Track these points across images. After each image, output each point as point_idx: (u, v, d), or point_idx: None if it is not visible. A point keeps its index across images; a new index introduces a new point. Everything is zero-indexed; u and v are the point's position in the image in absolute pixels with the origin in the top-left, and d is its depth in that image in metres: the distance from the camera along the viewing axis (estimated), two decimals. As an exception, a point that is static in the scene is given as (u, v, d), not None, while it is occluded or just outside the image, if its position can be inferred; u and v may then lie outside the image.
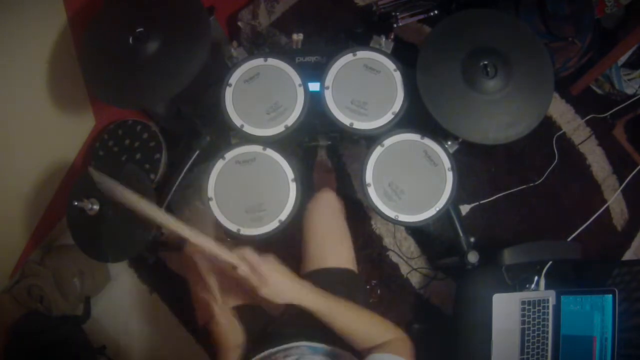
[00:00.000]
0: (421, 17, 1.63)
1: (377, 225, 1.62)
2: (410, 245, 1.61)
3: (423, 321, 1.53)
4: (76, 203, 1.11)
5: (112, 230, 1.15)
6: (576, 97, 1.69)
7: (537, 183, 1.61)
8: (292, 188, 1.12)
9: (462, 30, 1.09)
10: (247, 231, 1.11)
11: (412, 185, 1.11)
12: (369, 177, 1.11)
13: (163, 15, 1.12)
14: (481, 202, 1.59)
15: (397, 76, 1.14)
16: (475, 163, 1.65)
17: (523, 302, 1.22)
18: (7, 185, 1.34)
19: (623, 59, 1.61)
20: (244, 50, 1.25)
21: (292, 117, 1.13)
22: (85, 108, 1.48)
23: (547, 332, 1.21)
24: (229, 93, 1.15)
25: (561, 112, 1.68)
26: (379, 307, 1.54)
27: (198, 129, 1.38)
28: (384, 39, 1.21)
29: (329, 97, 1.13)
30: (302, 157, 1.64)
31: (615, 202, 1.61)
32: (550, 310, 1.21)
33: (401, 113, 1.12)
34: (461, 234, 1.29)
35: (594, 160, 1.65)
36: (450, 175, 1.12)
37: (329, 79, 1.14)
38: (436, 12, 1.62)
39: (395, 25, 1.59)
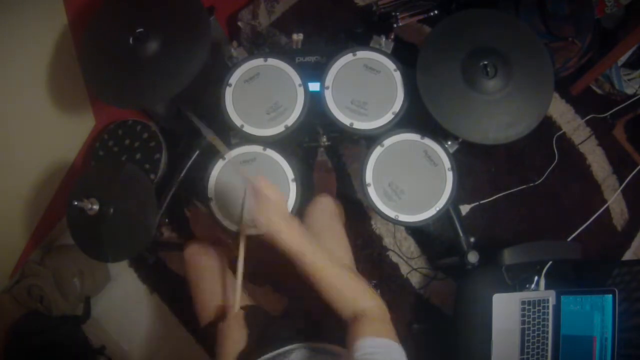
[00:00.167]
0: (421, 17, 1.63)
1: (377, 225, 1.62)
2: (410, 245, 1.61)
3: (423, 321, 1.53)
4: (76, 203, 1.11)
5: (112, 230, 1.15)
6: (576, 97, 1.69)
7: (537, 183, 1.61)
8: (292, 188, 1.12)
9: (462, 30, 1.09)
10: (247, 231, 1.10)
11: (412, 185, 1.11)
12: (369, 177, 1.11)
13: (163, 15, 1.12)
14: (481, 202, 1.59)
15: (397, 76, 1.14)
16: (475, 163, 1.65)
17: (523, 302, 1.22)
18: (7, 185, 1.34)
19: (623, 59, 1.61)
20: (244, 50, 1.25)
21: (292, 117, 1.13)
22: (85, 108, 1.47)
23: (547, 332, 1.21)
24: (229, 93, 1.15)
25: (561, 112, 1.68)
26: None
27: (198, 129, 1.38)
28: (384, 39, 1.21)
29: (329, 97, 1.13)
30: (302, 157, 1.64)
31: (615, 202, 1.61)
32: (550, 310, 1.21)
33: (401, 113, 1.12)
34: (461, 234, 1.29)
35: (594, 160, 1.65)
36: (450, 175, 1.12)
37: (329, 79, 1.14)
38: (436, 12, 1.62)
39: (395, 25, 1.59)
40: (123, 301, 1.69)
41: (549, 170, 1.61)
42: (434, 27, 1.11)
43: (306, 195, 1.19)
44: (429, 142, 1.13)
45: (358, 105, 1.13)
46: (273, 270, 1.56)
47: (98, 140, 1.54)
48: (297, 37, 1.26)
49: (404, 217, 1.10)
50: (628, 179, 1.60)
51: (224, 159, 1.14)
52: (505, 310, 1.22)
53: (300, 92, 1.14)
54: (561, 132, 1.66)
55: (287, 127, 1.12)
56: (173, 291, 1.65)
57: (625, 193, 1.61)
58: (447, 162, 1.12)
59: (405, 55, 1.16)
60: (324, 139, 1.35)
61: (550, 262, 1.27)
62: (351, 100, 1.13)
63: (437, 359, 1.43)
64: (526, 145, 1.65)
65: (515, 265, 1.26)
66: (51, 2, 1.15)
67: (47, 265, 1.55)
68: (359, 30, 1.68)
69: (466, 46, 1.07)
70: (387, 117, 1.12)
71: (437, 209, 1.10)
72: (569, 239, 1.51)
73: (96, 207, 1.13)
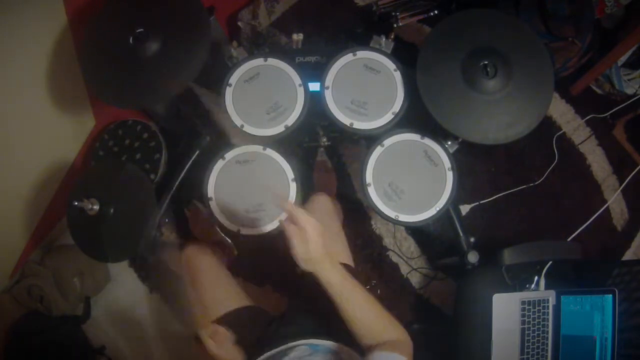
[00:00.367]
0: (421, 17, 1.63)
1: (377, 225, 1.62)
2: (410, 245, 1.61)
3: (423, 321, 1.53)
4: (76, 203, 1.11)
5: (112, 230, 1.15)
6: (576, 97, 1.69)
7: (537, 183, 1.61)
8: (292, 188, 1.12)
9: (462, 30, 1.09)
10: (247, 231, 1.11)
11: (412, 185, 1.11)
12: (369, 177, 1.11)
13: (163, 15, 1.12)
14: (481, 202, 1.59)
15: (397, 76, 1.14)
16: (475, 163, 1.65)
17: (523, 302, 1.22)
18: (7, 185, 1.34)
19: (623, 59, 1.61)
20: (244, 50, 1.25)
21: (292, 117, 1.13)
22: (85, 108, 1.48)
23: (547, 332, 1.21)
24: (229, 93, 1.15)
25: (561, 112, 1.68)
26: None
27: (198, 129, 1.38)
28: (384, 39, 1.21)
29: (329, 97, 1.13)
30: (302, 157, 1.64)
31: (615, 202, 1.61)
32: (550, 310, 1.21)
33: (401, 113, 1.12)
34: (461, 234, 1.29)
35: (594, 160, 1.65)
36: (450, 175, 1.12)
37: (329, 79, 1.14)
38: (436, 12, 1.62)
39: (395, 25, 1.59)
40: (123, 301, 1.69)
41: (549, 170, 1.61)
42: (434, 27, 1.11)
43: (306, 195, 1.19)
44: (429, 142, 1.13)
45: (358, 105, 1.13)
46: (273, 270, 1.57)
47: (98, 140, 1.54)
48: (297, 37, 1.26)
49: (404, 217, 1.10)
50: (628, 179, 1.60)
51: (224, 158, 1.14)
52: (505, 310, 1.22)
53: (300, 92, 1.14)
54: (561, 132, 1.66)
55: (287, 127, 1.12)
56: (173, 291, 1.65)
57: (625, 193, 1.61)
58: (447, 162, 1.12)
59: (405, 55, 1.15)
60: (324, 139, 1.35)
61: (550, 262, 1.27)
62: (351, 100, 1.13)
63: (437, 359, 1.43)
64: (526, 145, 1.65)
65: (515, 265, 1.25)
66: (51, 2, 1.15)
67: (47, 265, 1.55)
68: (359, 30, 1.68)
69: (466, 46, 1.07)
70: (387, 117, 1.12)
71: (437, 209, 1.10)
72: (569, 239, 1.51)
73: (96, 207, 1.13)
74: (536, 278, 1.26)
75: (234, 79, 1.16)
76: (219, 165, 1.14)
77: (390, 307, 0.81)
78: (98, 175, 1.26)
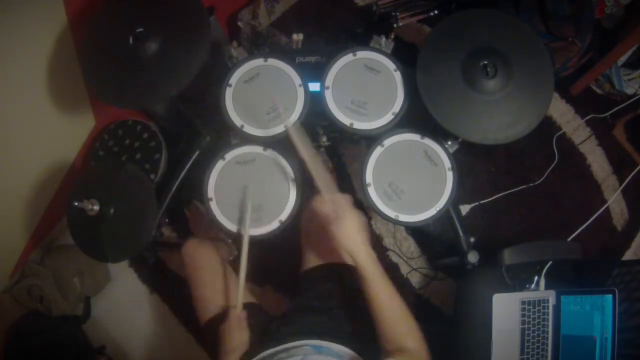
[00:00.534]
0: (421, 17, 1.63)
1: (377, 225, 1.62)
2: (410, 245, 1.61)
3: (423, 321, 1.53)
4: (76, 203, 1.11)
5: (112, 230, 1.15)
6: (576, 97, 1.69)
7: (537, 183, 1.61)
8: (292, 188, 1.12)
9: (462, 30, 1.09)
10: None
11: (412, 185, 1.11)
12: (369, 177, 1.11)
13: (163, 15, 1.12)
14: (481, 202, 1.59)
15: (397, 76, 1.14)
16: (475, 163, 1.65)
17: (523, 302, 1.22)
18: (7, 185, 1.34)
19: (623, 59, 1.61)
20: (244, 50, 1.25)
21: (292, 117, 1.13)
22: (85, 108, 1.48)
23: (547, 332, 1.21)
24: (229, 93, 1.15)
25: (561, 112, 1.68)
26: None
27: (198, 129, 1.38)
28: (384, 39, 1.21)
29: (329, 97, 1.13)
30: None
31: (615, 202, 1.61)
32: (550, 310, 1.21)
33: (401, 113, 1.12)
34: (461, 234, 1.29)
35: (594, 160, 1.65)
36: (450, 175, 1.12)
37: (329, 79, 1.14)
38: (436, 12, 1.62)
39: (395, 25, 1.59)
40: (123, 301, 1.69)
41: (549, 170, 1.61)
42: (434, 27, 1.11)
43: (306, 195, 1.19)
44: (429, 142, 1.13)
45: (358, 105, 1.13)
46: (273, 270, 1.57)
47: (98, 140, 1.54)
48: (297, 37, 1.26)
49: (404, 217, 1.10)
50: (628, 179, 1.60)
51: (224, 159, 1.14)
52: (505, 310, 1.22)
53: (300, 92, 1.14)
54: (561, 132, 1.66)
55: (287, 127, 1.12)
56: (173, 291, 1.65)
57: (625, 193, 1.61)
58: (447, 162, 1.12)
59: (405, 55, 1.15)
60: (324, 139, 1.35)
61: (550, 262, 1.27)
62: (351, 100, 1.13)
63: (437, 359, 1.43)
64: (526, 145, 1.65)
65: (515, 265, 1.25)
66: (51, 2, 1.15)
67: (47, 265, 1.55)
68: (359, 30, 1.68)
69: (466, 46, 1.07)
70: (387, 117, 1.12)
71: (437, 209, 1.10)
72: (569, 239, 1.51)
73: (96, 207, 1.13)
74: (536, 278, 1.26)
75: (234, 79, 1.16)
76: (219, 165, 1.14)
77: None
78: (98, 175, 1.26)
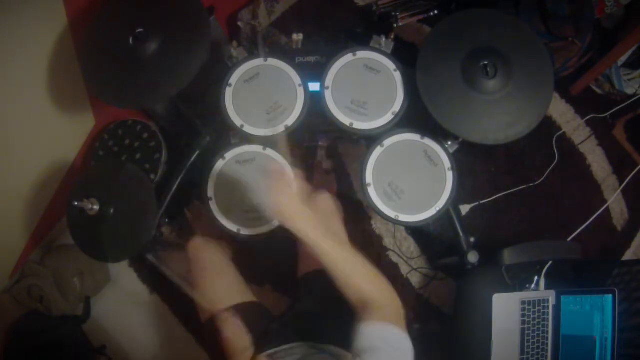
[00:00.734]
0: (421, 17, 1.63)
1: (377, 225, 1.62)
2: (410, 245, 1.61)
3: (423, 321, 1.53)
4: (76, 203, 1.11)
5: (112, 230, 1.15)
6: (576, 97, 1.69)
7: (537, 183, 1.61)
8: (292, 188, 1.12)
9: (462, 30, 1.09)
10: (246, 231, 1.11)
11: (412, 185, 1.11)
12: (369, 177, 1.11)
13: (163, 15, 1.12)
14: (481, 202, 1.59)
15: (397, 76, 1.14)
16: (475, 163, 1.65)
17: (523, 302, 1.22)
18: (7, 185, 1.34)
19: (623, 59, 1.61)
20: (244, 50, 1.25)
21: (292, 117, 1.13)
22: (85, 108, 1.47)
23: (547, 332, 1.21)
24: (229, 93, 1.15)
25: (561, 112, 1.68)
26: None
27: (198, 129, 1.38)
28: (384, 39, 1.21)
29: (329, 97, 1.13)
30: (302, 157, 1.64)
31: (615, 202, 1.60)
32: (550, 310, 1.21)
33: (401, 113, 1.12)
34: (461, 234, 1.29)
35: (594, 160, 1.65)
36: (450, 175, 1.12)
37: (329, 79, 1.14)
38: (436, 12, 1.62)
39: (395, 25, 1.58)
40: (123, 301, 1.69)
41: (549, 170, 1.61)
42: (434, 27, 1.11)
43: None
44: (429, 142, 1.13)
45: (358, 105, 1.13)
46: (273, 270, 1.56)
47: (98, 140, 1.54)
48: (297, 37, 1.26)
49: (404, 217, 1.10)
50: (628, 179, 1.60)
51: (224, 158, 1.14)
52: (505, 310, 1.22)
53: (300, 92, 1.14)
54: (561, 132, 1.65)
55: (287, 127, 1.12)
56: (173, 291, 1.65)
57: (625, 193, 1.61)
58: (447, 162, 1.12)
59: (405, 55, 1.16)
60: (324, 139, 1.35)
61: (550, 262, 1.27)
62: (351, 100, 1.13)
63: (437, 359, 1.43)
64: (526, 145, 1.65)
65: (515, 265, 1.25)
66: (51, 2, 1.15)
67: (47, 265, 1.55)
68: (359, 30, 1.68)
69: (466, 46, 1.07)
70: (387, 117, 1.12)
71: (437, 209, 1.10)
72: (569, 239, 1.51)
73: (96, 207, 1.13)
74: (536, 278, 1.26)
75: (234, 79, 1.16)
76: (219, 165, 1.14)
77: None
78: (98, 175, 1.26)
